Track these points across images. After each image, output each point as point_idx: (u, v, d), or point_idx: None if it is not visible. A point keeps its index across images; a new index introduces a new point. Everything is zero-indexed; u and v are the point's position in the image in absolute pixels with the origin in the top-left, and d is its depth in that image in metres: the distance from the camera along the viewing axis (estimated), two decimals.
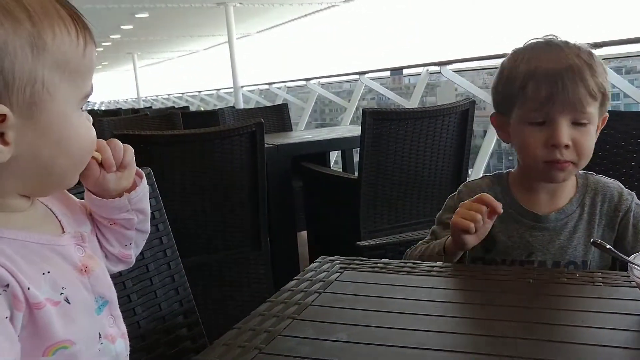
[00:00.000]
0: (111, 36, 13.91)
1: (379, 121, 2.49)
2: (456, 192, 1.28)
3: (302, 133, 4.52)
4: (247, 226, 2.40)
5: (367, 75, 6.85)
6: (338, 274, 1.05)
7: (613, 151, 1.57)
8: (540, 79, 1.10)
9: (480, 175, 1.32)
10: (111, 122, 4.00)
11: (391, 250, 1.49)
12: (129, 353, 0.78)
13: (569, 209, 1.19)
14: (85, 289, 0.70)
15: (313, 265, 1.11)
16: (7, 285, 0.60)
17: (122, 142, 0.80)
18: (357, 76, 7.01)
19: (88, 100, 0.71)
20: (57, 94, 0.64)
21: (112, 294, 0.75)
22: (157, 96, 20.51)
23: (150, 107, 13.33)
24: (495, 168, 5.99)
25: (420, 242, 1.29)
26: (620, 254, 0.92)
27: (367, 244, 1.54)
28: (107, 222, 0.82)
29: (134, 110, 8.40)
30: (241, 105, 9.95)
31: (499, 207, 1.08)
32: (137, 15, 11.16)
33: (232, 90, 11.00)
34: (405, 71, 6.71)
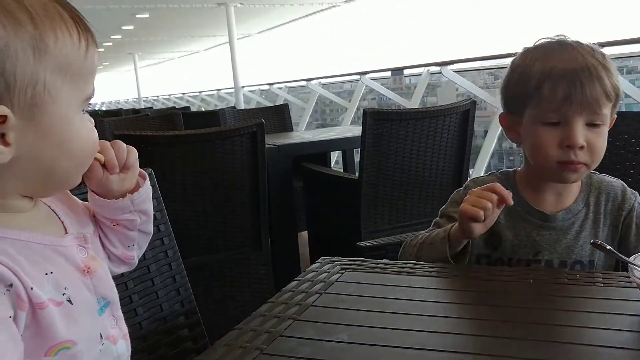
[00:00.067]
0: (112, 37, 13.91)
1: (380, 121, 2.49)
2: (462, 187, 1.26)
3: (302, 133, 4.53)
4: (247, 226, 2.40)
5: (367, 76, 6.85)
6: (339, 274, 1.06)
7: (614, 151, 1.57)
8: (558, 78, 1.08)
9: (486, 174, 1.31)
10: (112, 122, 4.01)
11: (392, 250, 1.48)
12: (130, 354, 0.78)
13: (576, 208, 1.18)
14: (87, 290, 0.71)
15: (314, 266, 1.11)
16: (11, 285, 0.60)
17: (124, 143, 0.80)
18: (357, 76, 7.01)
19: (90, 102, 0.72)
20: (58, 96, 0.64)
21: (114, 295, 0.76)
22: (158, 96, 20.52)
23: (151, 107, 13.35)
24: (496, 168, 5.97)
25: (421, 232, 1.27)
26: (621, 255, 0.92)
27: (367, 244, 1.54)
28: (110, 223, 0.82)
29: (135, 111, 8.40)
30: (242, 106, 9.95)
31: (510, 198, 1.06)
32: (137, 16, 11.16)
33: (232, 90, 11.01)
34: (406, 71, 6.72)
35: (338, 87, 8.73)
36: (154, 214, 0.97)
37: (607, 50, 1.16)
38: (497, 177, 1.25)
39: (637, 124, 1.60)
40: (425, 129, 2.60)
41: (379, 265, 1.11)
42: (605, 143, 1.13)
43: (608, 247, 0.94)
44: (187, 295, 1.18)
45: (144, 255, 1.11)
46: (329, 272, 1.07)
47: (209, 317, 1.24)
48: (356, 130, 3.32)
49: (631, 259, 0.85)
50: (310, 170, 3.14)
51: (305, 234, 3.30)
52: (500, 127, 4.38)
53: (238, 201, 2.37)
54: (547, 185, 1.19)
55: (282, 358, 0.77)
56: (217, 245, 2.36)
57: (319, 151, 3.68)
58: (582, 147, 1.09)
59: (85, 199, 0.84)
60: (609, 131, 1.14)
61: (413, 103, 5.85)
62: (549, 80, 1.09)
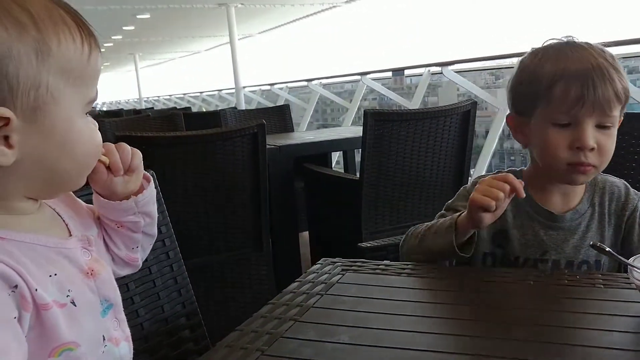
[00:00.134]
0: (113, 37, 13.93)
1: (381, 122, 2.49)
2: (469, 184, 1.24)
3: (303, 134, 4.53)
4: (249, 227, 2.41)
5: (368, 76, 6.85)
6: (340, 275, 1.06)
7: (614, 152, 1.57)
8: (570, 79, 1.07)
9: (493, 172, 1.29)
10: (113, 123, 4.01)
11: (393, 251, 1.48)
12: (132, 356, 0.79)
13: (582, 208, 1.18)
14: (90, 292, 0.71)
15: (315, 267, 1.12)
16: (16, 286, 0.61)
17: (128, 146, 0.81)
18: (358, 77, 7.01)
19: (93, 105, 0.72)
20: (61, 98, 0.65)
21: (117, 297, 0.76)
22: (158, 97, 20.53)
23: (152, 107, 13.35)
24: (497, 168, 5.98)
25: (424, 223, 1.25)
26: (619, 256, 0.93)
27: (368, 245, 1.54)
28: (114, 225, 0.83)
29: (136, 111, 8.40)
30: (243, 106, 9.96)
31: (522, 189, 1.04)
32: (138, 16, 11.18)
33: (233, 90, 11.01)
34: (406, 72, 6.72)
35: (339, 87, 8.74)
36: None
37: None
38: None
39: (636, 124, 1.60)
40: (426, 130, 2.60)
41: (379, 266, 1.12)
42: (614, 145, 1.12)
43: (607, 249, 0.95)
44: (189, 297, 1.18)
45: None
46: (329, 273, 1.07)
47: (210, 318, 1.24)
48: (357, 131, 3.32)
49: (630, 260, 0.85)
50: (312, 170, 3.14)
51: (306, 234, 3.31)
52: (501, 127, 4.36)
53: (239, 202, 2.37)
54: (554, 185, 1.18)
55: (283, 359, 0.77)
56: (218, 246, 2.37)
57: (320, 152, 3.69)
58: (592, 149, 1.09)
59: (89, 201, 0.84)
60: None
61: (414, 103, 5.85)
62: (561, 81, 1.08)
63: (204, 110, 12.53)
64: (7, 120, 0.61)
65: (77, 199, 0.81)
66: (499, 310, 0.92)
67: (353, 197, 2.59)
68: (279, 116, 4.65)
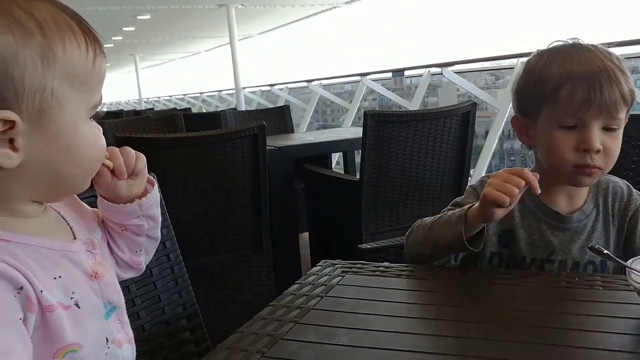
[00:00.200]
0: (113, 38, 13.95)
1: (381, 123, 2.50)
2: (478, 183, 1.23)
3: (304, 135, 4.53)
4: (249, 228, 2.41)
5: (368, 77, 6.85)
6: (340, 277, 1.06)
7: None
8: (577, 81, 1.07)
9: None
10: (113, 124, 4.01)
11: (393, 253, 1.49)
12: (135, 358, 0.79)
13: (587, 209, 1.18)
14: (94, 294, 0.72)
15: (315, 269, 1.12)
16: (21, 288, 0.62)
17: (125, 145, 0.81)
18: (358, 77, 7.02)
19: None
20: (66, 103, 0.66)
21: (120, 300, 0.77)
22: (158, 97, 20.55)
23: (152, 108, 13.35)
24: (497, 168, 5.98)
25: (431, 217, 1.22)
26: (617, 259, 0.93)
27: (368, 246, 1.55)
28: (118, 228, 0.84)
29: (136, 112, 8.40)
30: (243, 107, 9.97)
31: (537, 186, 1.02)
32: (139, 17, 11.18)
33: (233, 91, 11.02)
34: (406, 72, 6.72)
35: (339, 88, 8.74)
36: None
37: None
38: None
39: (636, 124, 1.60)
40: (426, 131, 2.60)
41: (379, 268, 1.12)
42: (620, 147, 1.12)
43: (605, 251, 0.95)
44: (189, 299, 1.19)
45: None
46: (330, 275, 1.08)
47: (210, 319, 1.24)
48: (357, 132, 3.33)
49: (628, 263, 0.85)
50: (312, 172, 3.14)
51: (306, 235, 3.31)
52: (501, 128, 4.36)
53: (239, 203, 2.37)
54: (559, 187, 1.18)
55: None
56: (218, 247, 2.37)
57: (320, 153, 3.69)
58: (598, 151, 1.09)
59: (90, 203, 0.85)
60: None
61: (414, 104, 5.86)
62: (568, 83, 1.08)
63: (204, 111, 12.54)
64: (12, 124, 0.62)
65: (82, 202, 0.82)
66: (498, 313, 0.92)
67: (353, 198, 2.60)
68: (279, 117, 4.65)
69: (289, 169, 3.05)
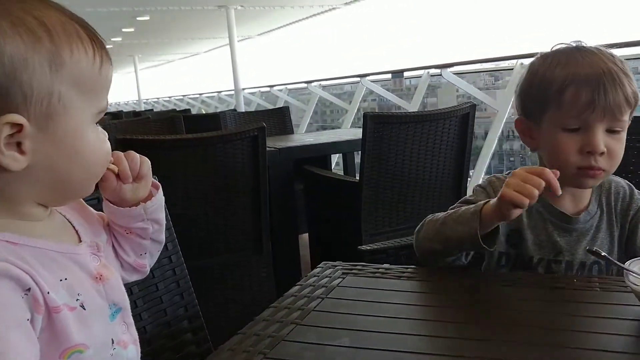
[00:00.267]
0: (113, 39, 13.95)
1: (380, 125, 2.51)
2: (487, 182, 1.22)
3: (303, 136, 4.54)
4: (249, 229, 2.42)
5: (368, 78, 6.86)
6: (340, 279, 1.07)
7: None
8: (581, 84, 1.08)
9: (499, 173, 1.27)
10: (113, 125, 4.02)
11: (392, 254, 1.50)
12: (140, 359, 0.80)
13: (592, 209, 1.19)
14: (99, 296, 0.73)
15: (315, 270, 1.13)
16: (29, 289, 0.63)
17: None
18: (358, 79, 7.03)
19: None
20: (72, 108, 0.67)
21: (125, 301, 0.78)
22: (158, 98, 20.52)
23: (152, 109, 13.34)
24: (497, 169, 6.00)
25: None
26: (615, 261, 0.94)
27: (368, 248, 1.55)
28: (123, 231, 0.85)
29: (136, 113, 8.40)
30: (242, 108, 9.97)
31: (559, 188, 1.00)
32: (138, 18, 11.18)
33: (233, 92, 11.02)
34: (406, 73, 6.73)
35: (338, 89, 8.75)
36: None
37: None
38: None
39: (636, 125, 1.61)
40: (425, 132, 2.61)
41: (379, 270, 1.12)
42: (623, 149, 1.13)
43: (603, 253, 0.96)
44: (191, 300, 1.20)
45: None
46: (330, 277, 1.08)
47: (210, 320, 1.25)
48: (356, 133, 3.33)
49: (626, 264, 0.86)
50: (311, 173, 3.15)
51: (306, 236, 3.32)
52: (500, 129, 4.36)
53: (239, 204, 2.38)
54: (564, 188, 1.17)
55: None
56: (218, 248, 2.38)
57: (320, 154, 3.70)
58: (602, 153, 1.09)
59: (94, 205, 0.86)
60: None
61: (413, 104, 5.87)
62: (572, 85, 1.08)
63: (204, 112, 12.54)
64: (20, 127, 0.63)
65: (87, 205, 0.84)
66: (498, 314, 0.93)
67: (353, 199, 2.60)
68: (278, 118, 4.66)
69: (289, 170, 3.06)
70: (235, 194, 2.36)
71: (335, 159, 5.42)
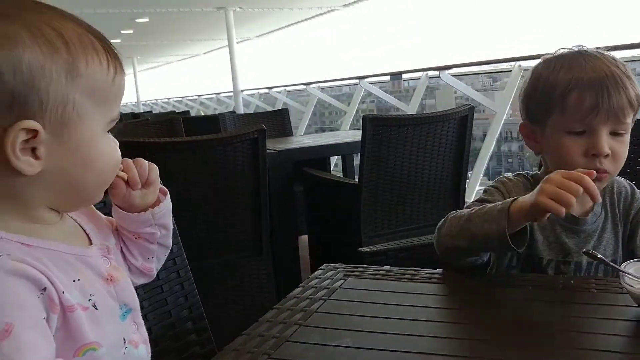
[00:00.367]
0: (112, 41, 13.89)
1: (379, 127, 2.52)
2: (499, 182, 1.22)
3: (303, 138, 4.55)
4: (249, 231, 2.43)
5: (366, 80, 6.87)
6: (342, 281, 1.08)
7: None
8: (584, 88, 1.09)
9: (508, 175, 1.28)
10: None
11: (392, 256, 1.51)
12: (150, 358, 0.83)
13: (597, 210, 1.20)
14: (110, 297, 0.76)
15: (317, 272, 1.14)
16: (45, 289, 0.65)
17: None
18: (356, 80, 7.04)
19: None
20: (86, 116, 0.70)
21: (135, 302, 0.81)
22: (156, 100, 20.51)
23: (150, 111, 13.33)
24: (495, 170, 6.02)
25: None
26: (610, 263, 0.95)
27: (368, 249, 1.57)
28: (131, 235, 0.88)
29: (134, 115, 8.40)
30: (241, 109, 9.97)
31: (599, 196, 0.98)
32: (137, 20, 11.18)
33: (232, 94, 11.02)
34: (404, 75, 6.75)
35: (337, 91, 8.76)
36: None
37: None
38: (525, 179, 1.24)
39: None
40: (424, 135, 2.63)
41: (380, 271, 1.14)
42: (627, 151, 1.14)
43: (599, 255, 0.97)
44: (195, 302, 1.21)
45: None
46: (332, 278, 1.10)
47: (211, 321, 1.27)
48: (355, 135, 3.35)
49: (622, 266, 0.88)
50: (311, 175, 3.16)
51: (305, 237, 3.33)
52: (499, 130, 4.36)
53: (239, 206, 2.40)
54: None
55: None
56: (218, 250, 2.39)
57: (319, 156, 3.72)
58: (606, 156, 1.11)
59: (100, 208, 0.88)
60: None
61: (412, 106, 5.89)
62: (576, 89, 1.10)
63: (202, 113, 12.54)
64: (35, 133, 0.66)
65: (97, 211, 0.86)
66: (498, 315, 0.94)
67: (352, 201, 2.62)
68: (277, 120, 4.67)
69: (288, 172, 3.07)
70: (236, 195, 2.38)
71: (334, 160, 5.44)
